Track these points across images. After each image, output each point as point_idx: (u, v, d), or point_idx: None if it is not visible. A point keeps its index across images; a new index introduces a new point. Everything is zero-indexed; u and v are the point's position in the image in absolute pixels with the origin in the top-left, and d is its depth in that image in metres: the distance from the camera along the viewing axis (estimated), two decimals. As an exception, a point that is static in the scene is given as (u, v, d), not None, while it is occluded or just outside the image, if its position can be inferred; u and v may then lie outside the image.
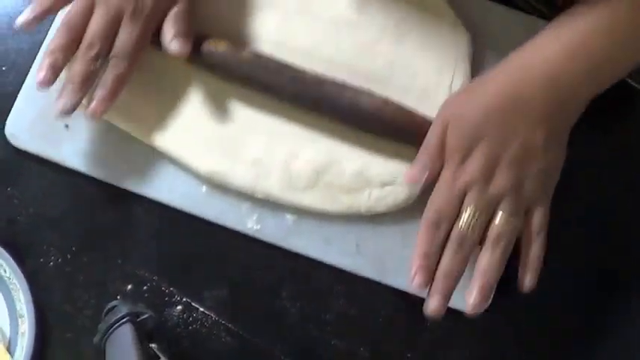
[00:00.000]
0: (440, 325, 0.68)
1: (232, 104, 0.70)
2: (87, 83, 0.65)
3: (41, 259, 0.68)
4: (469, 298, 0.62)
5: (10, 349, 0.65)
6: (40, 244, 0.68)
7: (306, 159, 0.69)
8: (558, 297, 0.70)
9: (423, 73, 0.71)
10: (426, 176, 0.64)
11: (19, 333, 0.65)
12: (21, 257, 0.67)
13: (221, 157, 0.68)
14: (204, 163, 0.68)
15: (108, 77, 0.65)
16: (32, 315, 0.65)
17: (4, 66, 0.72)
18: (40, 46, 0.70)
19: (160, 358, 0.63)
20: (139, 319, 0.63)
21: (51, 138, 0.69)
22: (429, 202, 0.64)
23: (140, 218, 0.69)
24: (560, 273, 0.70)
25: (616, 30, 0.63)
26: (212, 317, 0.68)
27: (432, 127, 0.65)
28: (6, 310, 0.66)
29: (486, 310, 0.64)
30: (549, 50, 0.63)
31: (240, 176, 0.68)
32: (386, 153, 0.69)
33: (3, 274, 0.66)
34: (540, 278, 0.64)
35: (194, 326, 0.68)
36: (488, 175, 0.62)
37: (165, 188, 0.69)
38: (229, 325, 0.68)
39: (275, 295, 0.69)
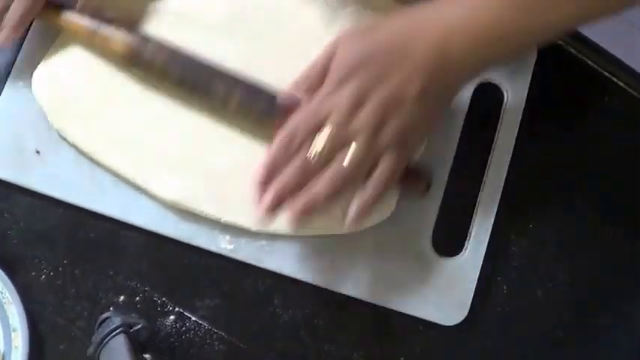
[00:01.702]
0: (432, 329, 0.69)
1: (195, 128, 0.68)
2: None
3: (33, 273, 0.68)
4: (291, 209, 0.61)
5: (4, 363, 0.65)
6: (31, 258, 0.68)
7: None
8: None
9: None
10: (304, 88, 0.64)
11: (13, 347, 0.65)
12: (13, 271, 0.67)
13: (184, 184, 0.67)
14: (169, 194, 0.67)
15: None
16: (25, 328, 0.65)
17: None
18: (10, 68, 0.69)
19: (153, 368, 0.64)
20: (132, 330, 0.64)
21: (22, 164, 0.68)
22: (291, 117, 0.63)
23: (129, 231, 0.69)
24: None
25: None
26: (205, 326, 0.68)
27: (323, 49, 0.64)
28: (-1, 324, 0.67)
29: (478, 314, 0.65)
30: (449, 9, 0.63)
31: (205, 206, 0.67)
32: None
33: (-5, 288, 0.67)
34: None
35: (187, 335, 0.68)
36: (353, 108, 0.61)
37: (137, 212, 0.68)
38: (222, 334, 0.68)
39: (266, 302, 0.69)
